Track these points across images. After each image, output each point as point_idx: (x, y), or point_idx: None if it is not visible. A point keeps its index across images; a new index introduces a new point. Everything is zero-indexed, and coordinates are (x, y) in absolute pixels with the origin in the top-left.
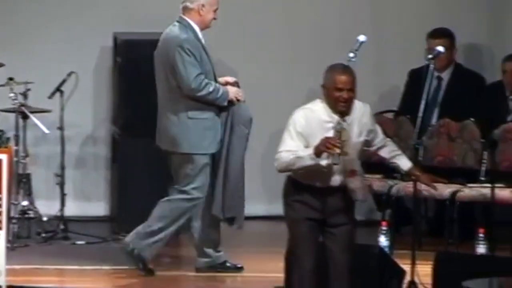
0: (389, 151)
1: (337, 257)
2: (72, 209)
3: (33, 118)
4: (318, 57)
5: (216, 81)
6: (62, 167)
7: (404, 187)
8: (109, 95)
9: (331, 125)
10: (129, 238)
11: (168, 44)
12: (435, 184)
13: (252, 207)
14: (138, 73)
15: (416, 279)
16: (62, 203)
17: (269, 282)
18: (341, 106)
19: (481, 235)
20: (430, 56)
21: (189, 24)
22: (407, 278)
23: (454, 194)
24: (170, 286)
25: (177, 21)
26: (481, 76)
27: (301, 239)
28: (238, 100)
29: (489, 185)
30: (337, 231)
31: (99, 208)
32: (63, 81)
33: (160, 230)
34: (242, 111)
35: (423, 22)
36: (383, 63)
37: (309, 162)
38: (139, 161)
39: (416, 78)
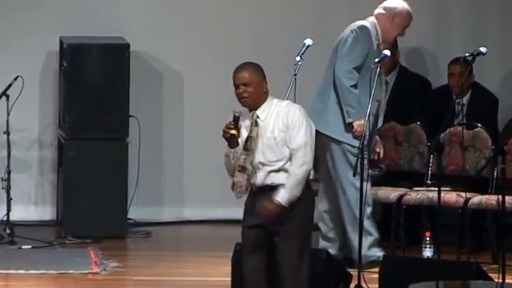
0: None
1: (281, 272)
2: (18, 213)
3: None
4: (263, 60)
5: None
6: (8, 172)
7: None
8: (55, 99)
9: (248, 122)
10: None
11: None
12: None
13: (191, 211)
14: (84, 77)
15: (362, 283)
16: (8, 208)
17: (215, 287)
18: (242, 102)
19: (427, 238)
20: (376, 59)
21: (374, 25)
22: (354, 282)
23: (400, 197)
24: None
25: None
26: (426, 79)
27: (244, 249)
28: None
29: (435, 188)
30: (279, 241)
31: (45, 212)
32: (9, 86)
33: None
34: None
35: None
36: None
37: (230, 157)
38: (85, 165)
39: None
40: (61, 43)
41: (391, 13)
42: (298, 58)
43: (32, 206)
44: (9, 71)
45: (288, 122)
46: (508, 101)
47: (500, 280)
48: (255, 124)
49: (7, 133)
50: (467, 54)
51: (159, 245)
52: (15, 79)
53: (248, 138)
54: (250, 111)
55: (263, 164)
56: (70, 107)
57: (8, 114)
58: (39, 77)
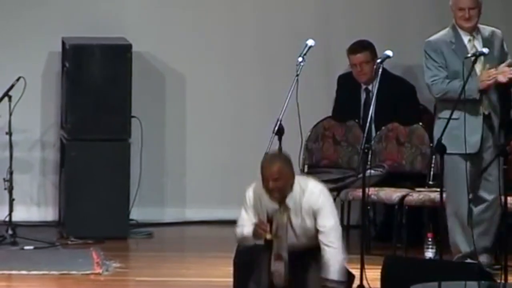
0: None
1: None
2: (20, 214)
3: None
4: (265, 62)
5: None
6: (10, 172)
7: (352, 192)
8: (57, 100)
9: (276, 207)
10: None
11: None
12: None
13: (193, 212)
14: (86, 77)
15: (365, 284)
16: (10, 208)
17: (217, 287)
18: (273, 197)
19: (429, 239)
20: (378, 60)
21: (453, 24)
22: (356, 282)
23: (402, 198)
24: None
25: None
26: (408, 82)
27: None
28: None
29: (437, 189)
30: None
31: (47, 213)
32: (11, 86)
33: None
34: None
35: (370, 26)
36: (332, 67)
37: (252, 242)
38: (87, 166)
39: (344, 83)
40: (63, 43)
41: (451, 5)
42: (300, 59)
43: (34, 206)
44: (11, 72)
45: (314, 209)
46: None
47: (503, 281)
48: (284, 210)
49: (9, 133)
50: (469, 55)
51: (161, 246)
52: (17, 80)
53: (277, 224)
54: (280, 203)
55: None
56: (72, 108)
57: (10, 114)
58: (41, 78)
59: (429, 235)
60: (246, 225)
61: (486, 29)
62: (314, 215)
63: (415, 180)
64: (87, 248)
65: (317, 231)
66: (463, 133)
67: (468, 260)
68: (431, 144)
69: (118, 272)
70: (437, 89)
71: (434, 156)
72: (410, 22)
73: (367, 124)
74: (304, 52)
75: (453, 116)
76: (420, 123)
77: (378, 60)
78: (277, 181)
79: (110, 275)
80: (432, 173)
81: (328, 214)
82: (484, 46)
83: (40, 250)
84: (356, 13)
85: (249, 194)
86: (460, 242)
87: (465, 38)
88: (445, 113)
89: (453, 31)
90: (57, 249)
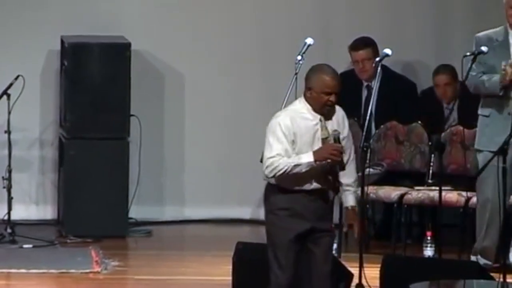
0: (348, 177)
1: (320, 265)
2: (19, 212)
3: None
4: (265, 60)
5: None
6: (9, 171)
7: None
8: (56, 98)
9: (315, 123)
10: None
11: None
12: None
13: (192, 211)
14: (85, 76)
15: (364, 282)
16: (9, 207)
17: (216, 286)
18: (327, 110)
19: (428, 238)
20: (377, 59)
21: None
22: (355, 281)
23: (401, 197)
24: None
25: None
26: (410, 80)
27: (284, 251)
28: None
29: (436, 188)
30: (321, 239)
31: (46, 211)
32: (10, 85)
33: None
34: None
35: (370, 24)
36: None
37: (306, 169)
38: (86, 164)
39: (345, 81)
40: (62, 42)
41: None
42: (299, 57)
43: (33, 205)
44: (10, 70)
45: (346, 131)
46: None
47: (502, 280)
48: (337, 138)
49: (8, 132)
50: (468, 53)
51: (160, 244)
52: (16, 78)
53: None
54: (326, 118)
55: None
56: (71, 106)
57: (9, 113)
58: (40, 76)
59: (428, 233)
60: (283, 154)
61: None
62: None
63: (414, 178)
64: (86, 246)
65: None
66: (491, 130)
67: (475, 257)
68: (429, 143)
69: (117, 270)
70: (469, 83)
71: (432, 155)
72: (410, 20)
73: (366, 122)
74: (303, 50)
75: (484, 113)
76: (419, 122)
77: (377, 59)
78: (337, 95)
79: (109, 273)
80: (431, 171)
81: (350, 136)
82: None
83: (39, 248)
84: (356, 11)
85: (285, 122)
86: (478, 236)
87: (511, 37)
88: (481, 110)
89: (504, 29)
90: (56, 248)
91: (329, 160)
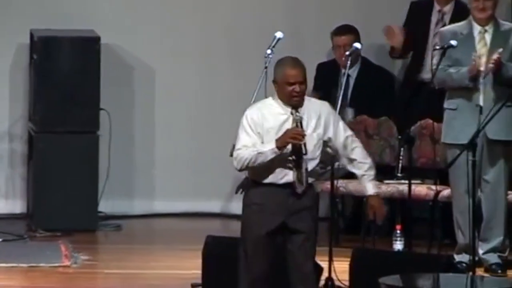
0: (359, 168)
1: (300, 265)
2: None
3: None
4: (235, 54)
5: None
6: None
7: (321, 184)
8: (25, 92)
9: (285, 116)
10: None
11: None
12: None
13: (162, 204)
14: (54, 70)
15: (333, 276)
16: None
17: (186, 279)
18: (294, 100)
19: (398, 231)
20: (347, 53)
21: (470, 16)
22: (325, 274)
23: None
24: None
25: None
26: (389, 72)
27: (253, 246)
28: None
29: (405, 181)
30: (300, 238)
31: (15, 205)
32: None
33: None
34: None
35: (337, 17)
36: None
37: (270, 157)
38: (56, 158)
39: (323, 72)
40: (31, 35)
41: None
42: (269, 51)
43: (2, 199)
44: None
45: (325, 119)
46: None
47: (471, 273)
48: (299, 123)
49: None
50: (437, 47)
51: (130, 238)
52: None
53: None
54: (296, 109)
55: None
56: (41, 100)
57: None
58: (9, 70)
59: (398, 227)
60: (250, 146)
61: (506, 25)
62: (325, 125)
63: (384, 172)
64: (56, 240)
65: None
66: (460, 123)
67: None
68: (399, 136)
69: (86, 264)
70: (435, 78)
71: (402, 148)
72: (383, 12)
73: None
74: (273, 44)
75: (451, 106)
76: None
77: (347, 53)
78: (302, 85)
79: (78, 267)
80: (400, 165)
81: (341, 123)
82: (495, 40)
83: (8, 242)
84: (326, 3)
85: (253, 114)
86: (456, 234)
87: (476, 30)
88: (447, 103)
89: (468, 22)
90: (26, 242)
91: (290, 145)
